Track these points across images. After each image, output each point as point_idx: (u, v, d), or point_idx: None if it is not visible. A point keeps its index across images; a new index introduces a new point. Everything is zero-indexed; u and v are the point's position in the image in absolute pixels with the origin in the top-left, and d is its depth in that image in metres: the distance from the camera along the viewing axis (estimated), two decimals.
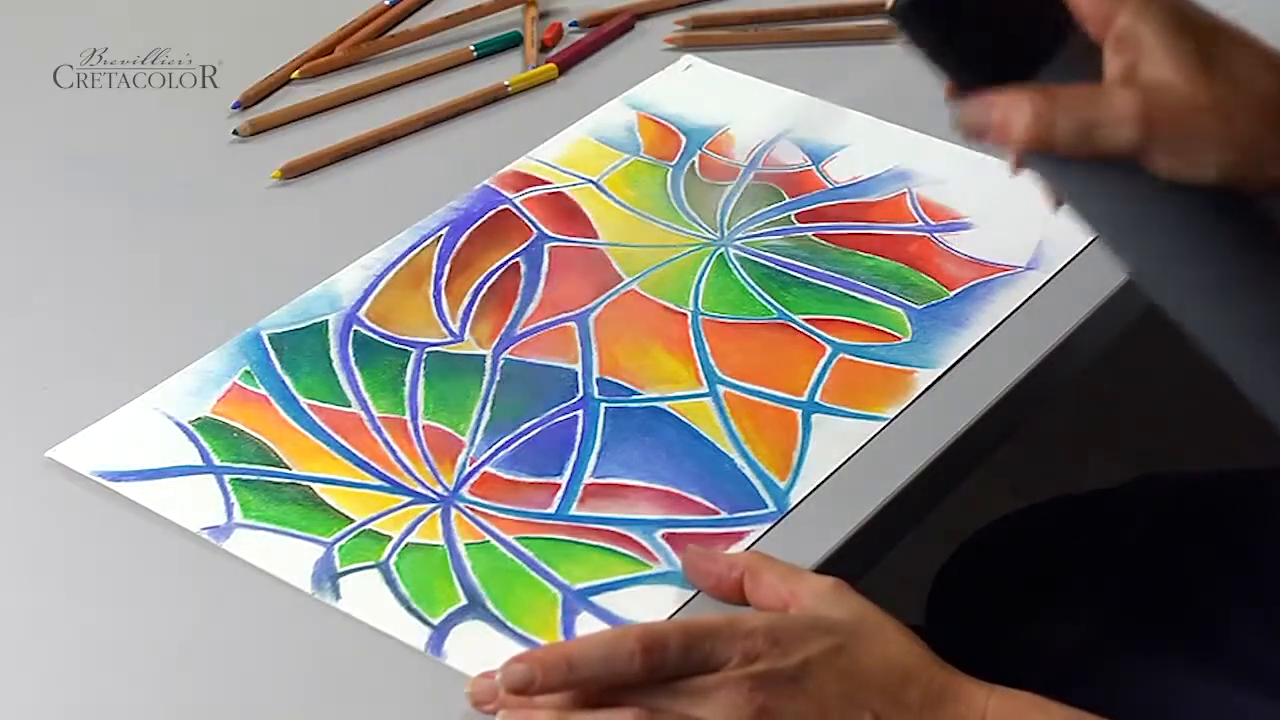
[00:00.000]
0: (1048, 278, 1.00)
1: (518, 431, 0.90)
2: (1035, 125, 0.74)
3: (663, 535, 0.85)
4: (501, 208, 1.04)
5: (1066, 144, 0.74)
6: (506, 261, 1.00)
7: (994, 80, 0.75)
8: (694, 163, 1.08)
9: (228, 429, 0.90)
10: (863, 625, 0.79)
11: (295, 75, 1.14)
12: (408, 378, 0.93)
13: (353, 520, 0.85)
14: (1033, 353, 0.95)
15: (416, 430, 0.90)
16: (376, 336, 0.95)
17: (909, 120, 1.11)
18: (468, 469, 0.88)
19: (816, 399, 0.92)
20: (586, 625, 0.81)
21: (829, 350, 0.95)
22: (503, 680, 0.76)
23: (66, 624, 0.82)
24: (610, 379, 0.93)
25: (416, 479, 0.88)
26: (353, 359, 0.94)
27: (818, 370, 0.94)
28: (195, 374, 0.93)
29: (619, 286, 0.99)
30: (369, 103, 1.13)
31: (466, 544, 0.84)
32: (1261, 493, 1.05)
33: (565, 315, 0.97)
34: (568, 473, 0.88)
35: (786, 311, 0.97)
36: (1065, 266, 1.00)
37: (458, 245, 1.01)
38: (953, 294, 0.99)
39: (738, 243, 1.02)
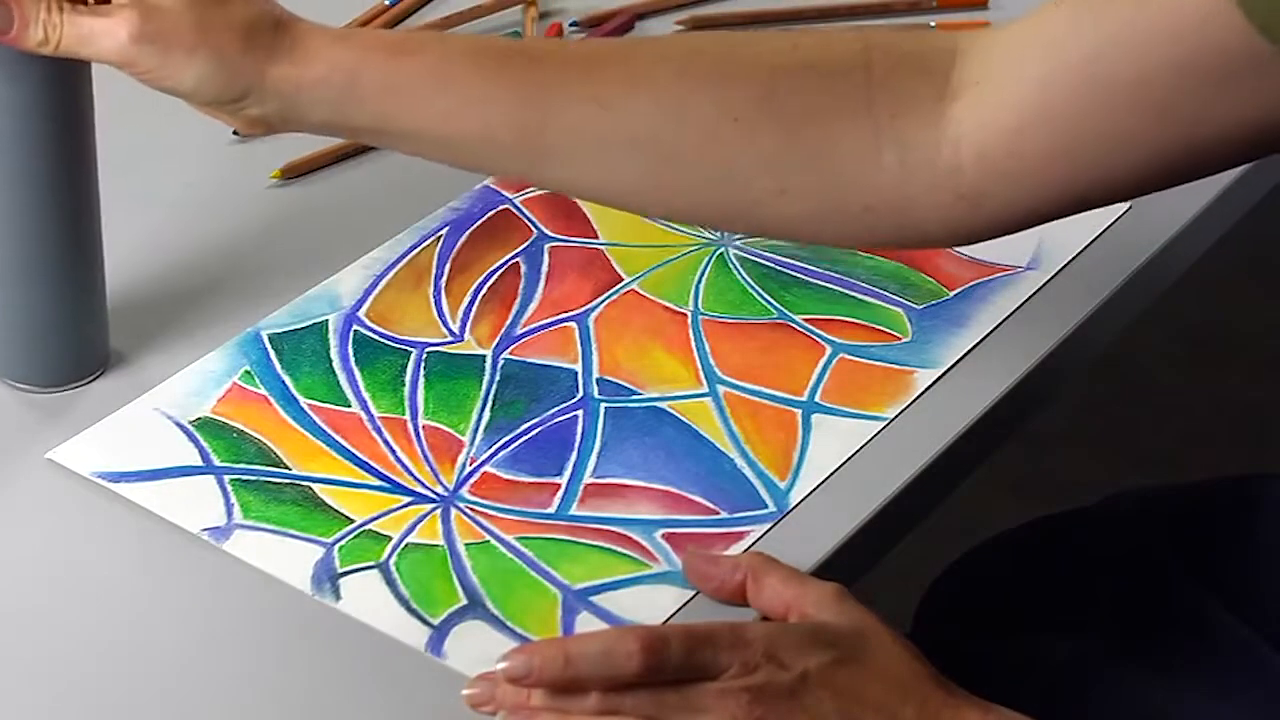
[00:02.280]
0: (1048, 278, 1.00)
1: (518, 431, 0.90)
2: None
3: (663, 535, 0.85)
4: (501, 208, 1.04)
5: None
6: (506, 261, 1.00)
7: None
8: None
9: (228, 429, 0.90)
10: (863, 638, 0.79)
11: None
12: (408, 378, 0.93)
13: (353, 520, 0.85)
14: (1033, 353, 0.95)
15: (416, 430, 0.90)
16: (376, 336, 0.95)
17: None
18: (468, 469, 0.88)
19: (816, 399, 0.92)
20: (586, 625, 0.81)
21: (829, 350, 0.95)
22: (504, 670, 0.76)
23: (67, 625, 0.82)
24: (610, 379, 0.93)
25: (416, 479, 0.88)
26: (353, 359, 0.94)
27: (818, 370, 0.94)
28: (195, 374, 0.93)
29: (619, 286, 0.99)
30: None
31: (466, 544, 0.84)
32: (1251, 501, 1.05)
33: (565, 315, 0.97)
34: (568, 473, 0.88)
35: (786, 311, 0.97)
36: (1065, 266, 1.00)
37: (458, 245, 1.01)
38: (953, 294, 0.99)
39: (737, 242, 1.02)
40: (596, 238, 1.02)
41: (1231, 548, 1.02)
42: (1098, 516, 1.09)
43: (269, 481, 0.87)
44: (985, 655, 1.00)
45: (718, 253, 1.01)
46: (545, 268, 1.00)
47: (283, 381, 0.92)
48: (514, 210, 1.04)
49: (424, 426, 0.90)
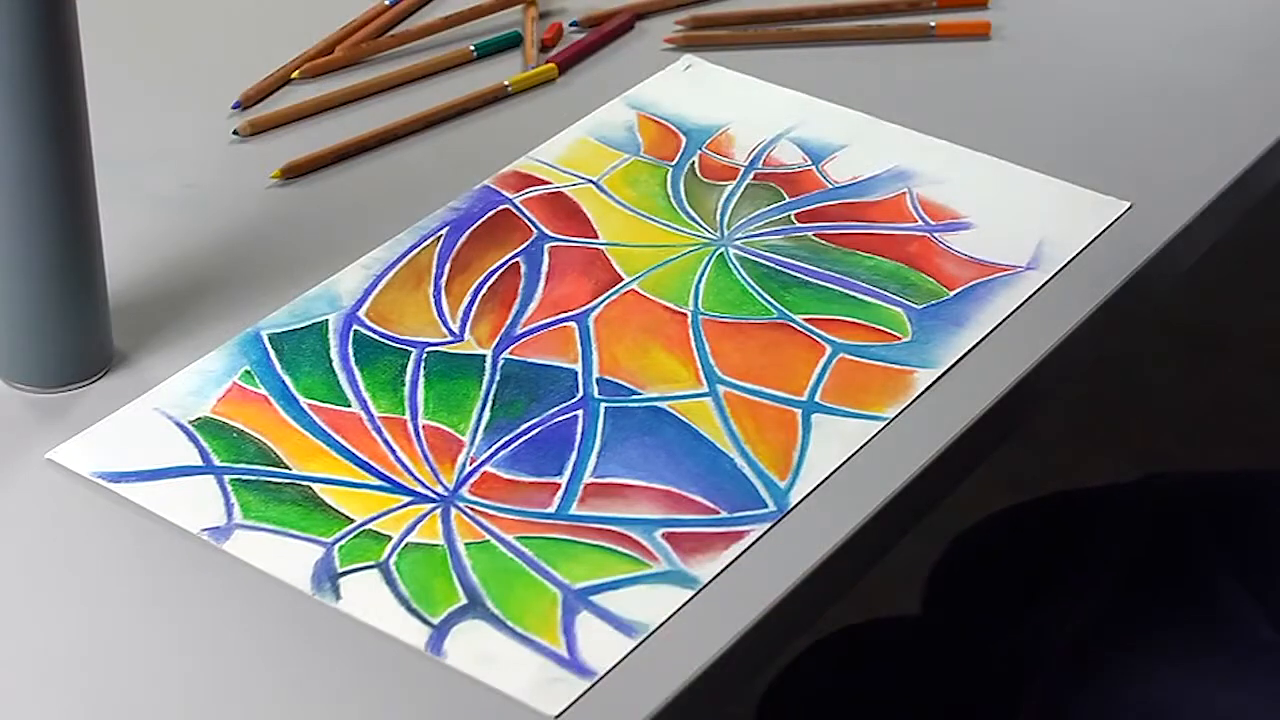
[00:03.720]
0: (1048, 278, 1.00)
1: (518, 431, 0.90)
2: None
3: (663, 535, 0.85)
4: (501, 208, 1.04)
5: None
6: (506, 261, 1.00)
7: None
8: (694, 163, 1.08)
9: (228, 429, 0.90)
10: None
11: (295, 75, 1.14)
12: (408, 378, 0.93)
13: (353, 520, 0.85)
14: (1033, 353, 0.95)
15: (416, 430, 0.90)
16: (376, 336, 0.95)
17: (909, 120, 1.11)
18: (468, 469, 0.88)
19: (816, 399, 0.92)
20: (586, 625, 0.81)
21: (829, 350, 0.95)
22: None
23: (66, 626, 0.82)
24: (610, 379, 0.93)
25: (416, 479, 0.88)
26: (353, 359, 0.94)
27: (818, 370, 0.94)
28: (195, 374, 0.93)
29: (619, 286, 0.99)
30: (369, 103, 1.13)
31: (466, 544, 0.84)
32: (1264, 494, 1.05)
33: (565, 315, 0.97)
34: (568, 472, 0.88)
35: (786, 311, 0.97)
36: (1065, 266, 1.00)
37: (458, 245, 1.01)
38: (953, 294, 0.99)
39: (738, 243, 1.02)
40: (596, 238, 1.02)
41: (1242, 537, 1.02)
42: (1112, 499, 1.09)
43: (269, 481, 0.87)
44: (990, 635, 1.00)
45: (717, 252, 1.01)
46: (545, 268, 1.00)
47: (283, 381, 0.93)
48: (514, 210, 1.04)
49: (424, 426, 0.90)
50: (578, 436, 0.90)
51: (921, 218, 1.04)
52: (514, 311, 0.97)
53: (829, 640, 1.13)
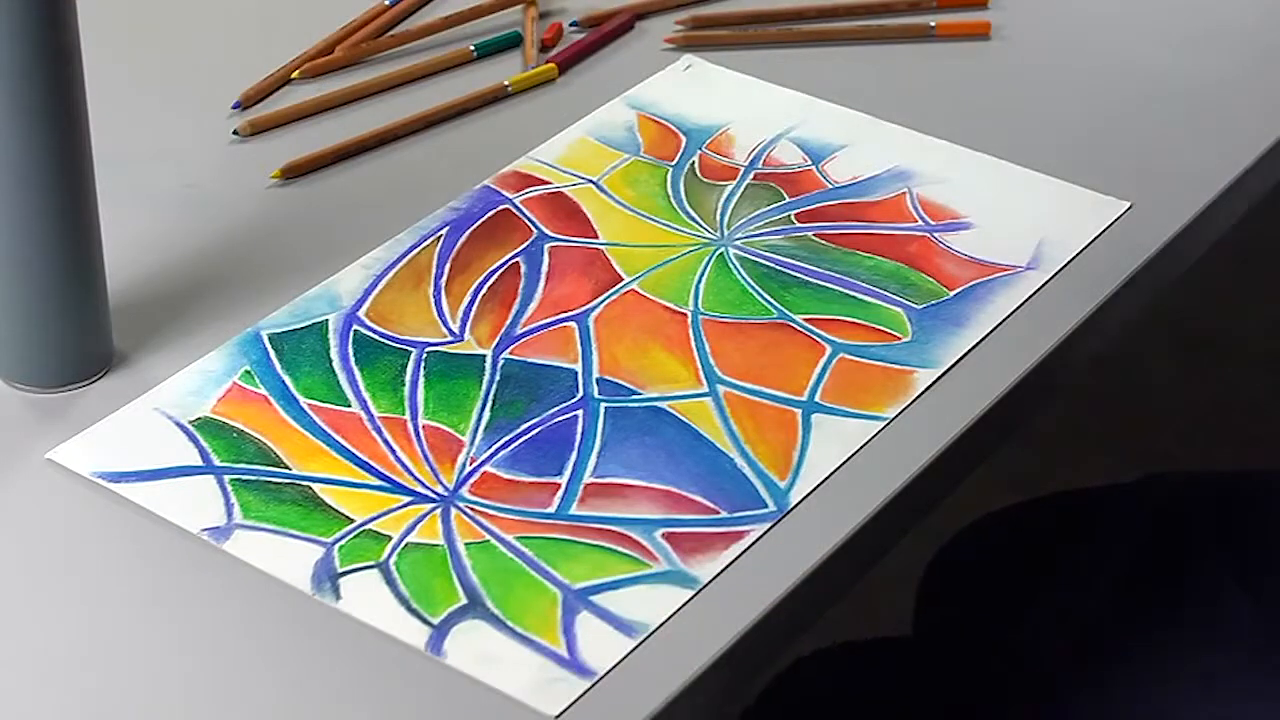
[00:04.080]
0: (1048, 278, 1.00)
1: (518, 431, 0.90)
2: None
3: (663, 535, 0.85)
4: (501, 208, 1.04)
5: None
6: (506, 261, 1.00)
7: None
8: (694, 163, 1.08)
9: (228, 429, 0.90)
10: None
11: (295, 75, 1.14)
12: (408, 378, 0.93)
13: (353, 520, 0.85)
14: (1033, 353, 0.95)
15: (416, 430, 0.90)
16: (376, 336, 0.95)
17: (909, 120, 1.11)
18: (468, 469, 0.88)
19: (816, 399, 0.92)
20: (586, 625, 0.81)
21: (829, 350, 0.95)
22: None
23: (66, 626, 0.82)
24: (610, 379, 0.93)
25: (416, 479, 0.88)
26: (353, 359, 0.94)
27: (818, 370, 0.94)
28: (195, 374, 0.93)
29: (619, 286, 0.99)
30: (369, 103, 1.13)
31: (466, 544, 0.84)
32: (1264, 494, 1.05)
33: (565, 315, 0.97)
34: (568, 472, 0.88)
35: (786, 311, 0.97)
36: (1065, 266, 1.00)
37: (458, 245, 1.01)
38: (953, 294, 0.99)
39: (738, 243, 1.02)
40: (596, 238, 1.02)
41: (1242, 538, 1.02)
42: (1111, 499, 1.09)
43: (269, 481, 0.87)
44: (984, 636, 1.00)
45: (717, 252, 1.01)
46: (545, 268, 1.00)
47: (283, 381, 0.93)
48: (514, 210, 1.04)
49: (424, 426, 0.90)
50: (578, 436, 0.90)
51: (921, 218, 1.04)
52: (514, 311, 0.97)
53: (825, 649, 1.13)
